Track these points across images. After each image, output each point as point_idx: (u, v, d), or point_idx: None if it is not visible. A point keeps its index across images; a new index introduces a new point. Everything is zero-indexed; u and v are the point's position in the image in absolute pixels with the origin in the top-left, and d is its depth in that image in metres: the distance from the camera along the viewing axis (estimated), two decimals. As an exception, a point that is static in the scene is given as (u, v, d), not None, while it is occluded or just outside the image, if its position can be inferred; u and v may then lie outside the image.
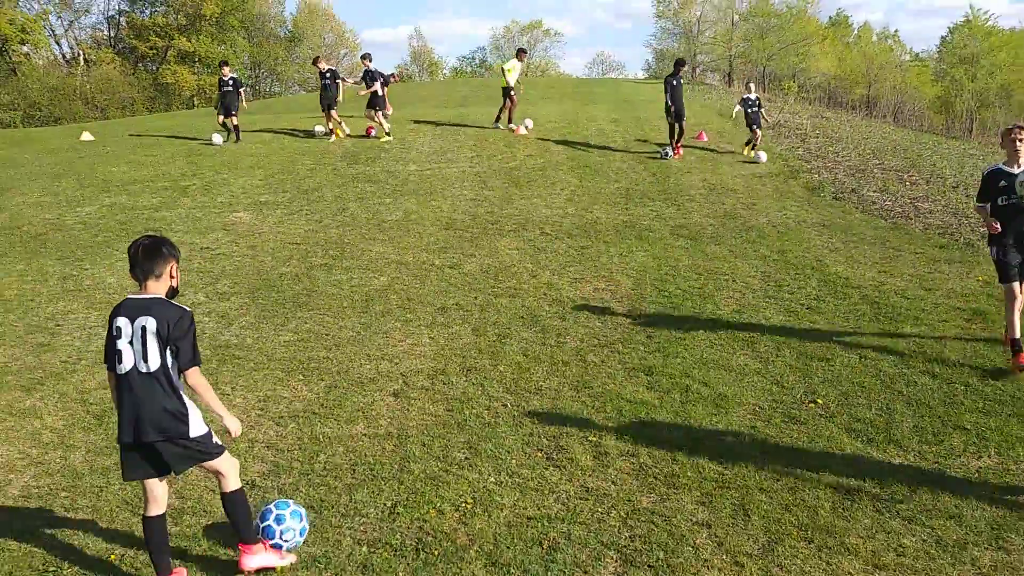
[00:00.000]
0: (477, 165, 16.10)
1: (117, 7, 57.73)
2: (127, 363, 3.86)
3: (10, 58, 47.42)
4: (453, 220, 12.45)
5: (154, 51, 55.21)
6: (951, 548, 4.35)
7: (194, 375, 3.94)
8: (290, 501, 4.53)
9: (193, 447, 3.97)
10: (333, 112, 18.49)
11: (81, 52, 53.35)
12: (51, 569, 4.40)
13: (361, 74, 18.87)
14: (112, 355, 3.91)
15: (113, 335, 3.90)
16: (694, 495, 5.00)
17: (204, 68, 53.30)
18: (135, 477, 4.04)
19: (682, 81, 16.92)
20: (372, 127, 18.89)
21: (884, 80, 56.49)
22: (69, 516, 4.93)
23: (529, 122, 19.45)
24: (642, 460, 5.45)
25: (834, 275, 9.63)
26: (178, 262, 4.06)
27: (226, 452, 4.16)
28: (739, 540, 4.51)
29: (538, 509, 4.90)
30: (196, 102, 51.41)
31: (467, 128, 19.77)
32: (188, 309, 3.99)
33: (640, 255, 10.63)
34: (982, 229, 11.23)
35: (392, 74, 23.22)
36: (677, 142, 16.78)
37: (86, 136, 21.50)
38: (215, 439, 4.11)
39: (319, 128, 19.30)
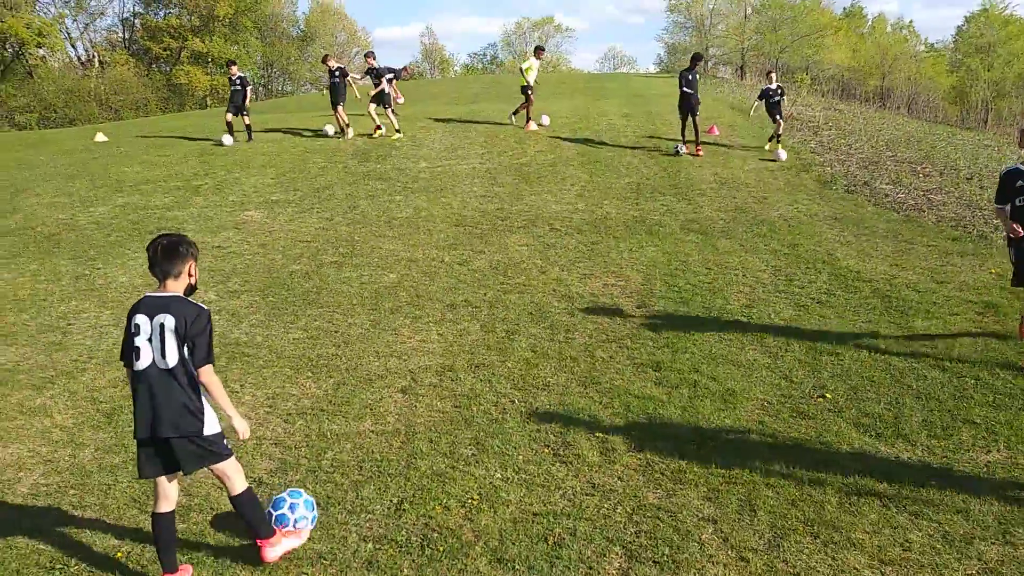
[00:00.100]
0: (487, 162, 16.09)
1: (132, 9, 58.17)
2: (145, 360, 3.93)
3: (27, 61, 47.88)
4: (463, 217, 12.46)
5: (168, 52, 55.58)
6: (957, 543, 4.32)
7: (207, 373, 3.98)
8: (302, 490, 4.62)
9: (206, 446, 4.02)
10: (340, 109, 18.47)
11: (96, 54, 53.80)
12: (59, 566, 4.44)
13: (365, 71, 18.89)
14: (129, 352, 3.98)
15: (131, 332, 3.96)
16: (700, 491, 4.98)
17: (217, 69, 53.52)
18: (150, 475, 4.08)
19: (698, 77, 16.53)
20: (381, 126, 18.90)
21: (898, 71, 56.03)
22: (77, 514, 4.97)
23: (546, 119, 19.35)
24: (649, 456, 5.44)
25: (845, 269, 9.56)
26: (196, 260, 4.13)
27: (233, 455, 4.20)
28: (745, 535, 4.50)
29: (544, 505, 4.90)
30: (209, 102, 51.68)
31: (478, 125, 19.77)
32: (206, 308, 4.04)
33: (650, 250, 10.59)
34: (995, 221, 11.13)
35: (404, 67, 23.16)
36: (697, 143, 16.28)
37: (100, 137, 21.67)
38: (226, 440, 4.15)
39: (328, 128, 19.32)
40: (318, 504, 4.87)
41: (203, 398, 4.05)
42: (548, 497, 4.99)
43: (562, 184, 14.30)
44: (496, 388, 6.68)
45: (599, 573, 4.25)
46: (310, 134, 19.53)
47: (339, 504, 4.98)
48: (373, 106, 18.47)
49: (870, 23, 70.40)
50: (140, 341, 3.93)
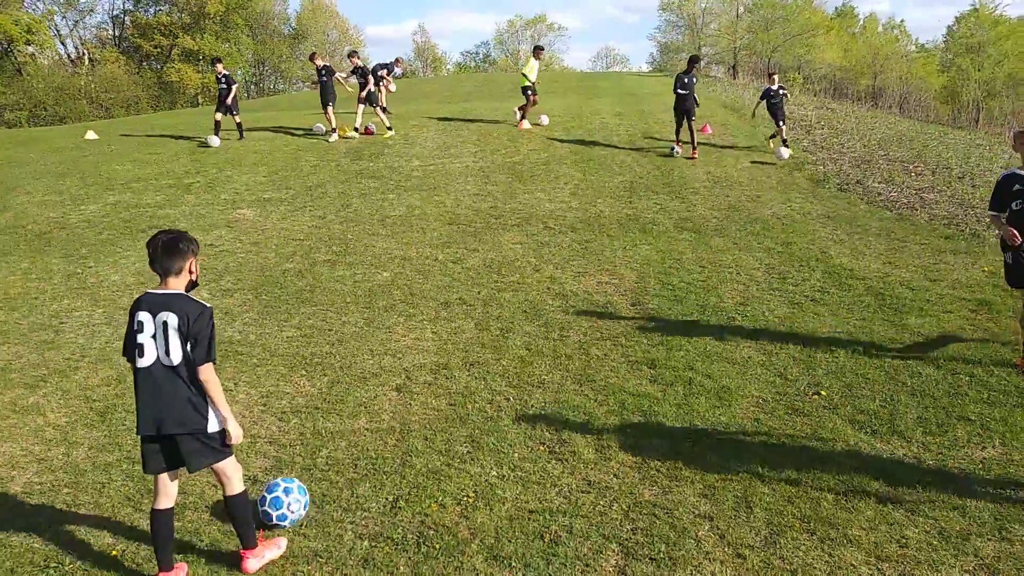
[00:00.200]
0: (481, 160, 16.07)
1: (122, 6, 57.88)
2: (149, 357, 3.93)
3: (15, 58, 47.56)
4: (456, 215, 12.44)
5: (159, 50, 55.33)
6: (954, 539, 4.33)
7: (206, 371, 3.97)
8: (295, 478, 4.76)
9: (210, 443, 4.03)
10: (330, 109, 18.33)
11: (86, 51, 53.53)
12: (52, 565, 4.41)
13: (351, 71, 18.81)
14: (132, 349, 3.97)
15: (134, 329, 3.96)
16: (696, 488, 4.98)
17: (208, 66, 53.28)
18: (154, 471, 4.08)
19: (695, 80, 16.22)
20: (372, 126, 18.85)
21: (890, 70, 56.23)
22: (71, 512, 4.94)
23: (544, 118, 19.24)
24: (644, 453, 5.44)
25: (839, 267, 9.58)
26: (197, 257, 4.12)
27: (233, 455, 4.20)
28: (741, 532, 4.50)
29: (540, 502, 4.89)
30: (200, 100, 51.50)
31: (471, 123, 19.74)
32: (208, 305, 4.02)
33: (644, 248, 10.60)
34: (987, 219, 11.18)
35: (396, 59, 23.04)
36: (693, 146, 16.01)
37: (90, 135, 21.54)
38: (226, 439, 4.13)
39: (319, 126, 19.22)
40: (313, 503, 4.87)
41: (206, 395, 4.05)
42: (544, 494, 4.98)
43: (555, 182, 14.29)
44: (491, 386, 6.66)
45: (595, 570, 4.25)
46: (301, 132, 19.46)
47: (334, 502, 4.95)
48: (361, 107, 18.41)
49: (861, 23, 70.63)
50: (143, 338, 3.93)
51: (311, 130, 19.23)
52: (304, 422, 6.10)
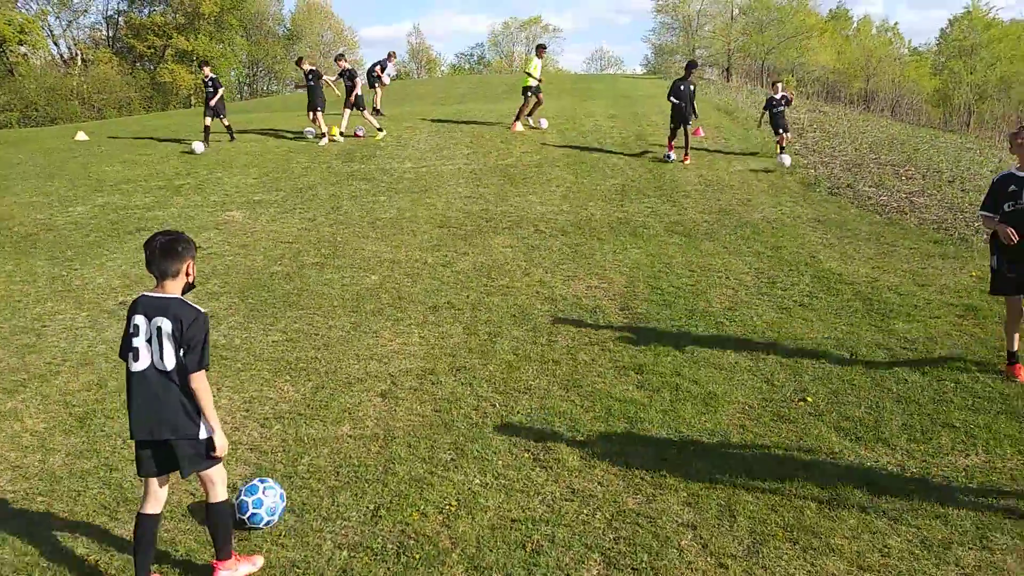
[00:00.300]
0: (473, 162, 16.03)
1: (116, 7, 57.72)
2: (144, 361, 3.89)
3: (7, 59, 47.37)
4: (447, 218, 12.39)
5: (152, 50, 55.19)
6: (936, 548, 4.30)
7: (198, 379, 3.92)
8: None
9: (202, 449, 4.00)
10: (319, 114, 18.23)
11: (79, 52, 53.32)
12: (24, 574, 4.34)
13: (338, 74, 18.74)
14: (127, 352, 3.94)
15: (130, 332, 3.93)
16: (680, 496, 4.95)
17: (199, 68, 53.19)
18: (147, 473, 4.05)
19: (691, 86, 15.88)
20: (360, 129, 18.77)
21: (883, 74, 56.39)
22: (46, 521, 4.86)
23: (544, 122, 19.10)
24: (629, 460, 5.40)
25: (828, 271, 9.57)
26: (194, 258, 4.07)
27: (221, 462, 4.18)
28: (724, 542, 4.46)
29: (523, 511, 4.85)
30: (193, 101, 51.34)
31: (464, 125, 19.70)
32: (203, 311, 3.97)
33: (634, 252, 10.57)
34: (976, 224, 11.17)
35: (390, 53, 22.98)
36: (686, 151, 15.90)
37: (80, 136, 21.45)
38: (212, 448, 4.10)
39: (309, 130, 19.06)
40: (293, 512, 4.83)
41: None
42: (527, 503, 4.94)
43: (547, 185, 14.26)
44: (477, 392, 6.62)
45: (577, 580, 4.21)
46: (292, 135, 19.39)
47: (314, 511, 4.90)
48: (348, 111, 18.33)
49: (855, 25, 70.83)
50: (139, 342, 3.89)
51: (302, 133, 19.14)
52: (287, 428, 6.05)
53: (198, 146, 17.80)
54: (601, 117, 20.68)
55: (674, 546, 4.45)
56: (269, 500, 4.65)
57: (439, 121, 20.37)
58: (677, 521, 4.69)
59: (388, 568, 4.33)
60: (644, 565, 4.29)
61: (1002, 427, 5.61)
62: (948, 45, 58.83)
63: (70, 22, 55.55)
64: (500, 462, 5.46)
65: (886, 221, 12.04)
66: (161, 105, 49.70)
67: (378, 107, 21.61)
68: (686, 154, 15.88)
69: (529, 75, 18.28)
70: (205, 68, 18.67)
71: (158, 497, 4.10)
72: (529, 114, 19.09)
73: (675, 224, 11.93)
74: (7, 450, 5.82)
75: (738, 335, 7.68)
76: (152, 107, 48.50)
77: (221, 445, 4.05)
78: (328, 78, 19.19)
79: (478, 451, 5.61)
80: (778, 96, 16.48)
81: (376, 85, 21.94)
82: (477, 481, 5.21)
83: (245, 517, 4.59)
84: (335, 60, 19.33)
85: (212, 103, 18.09)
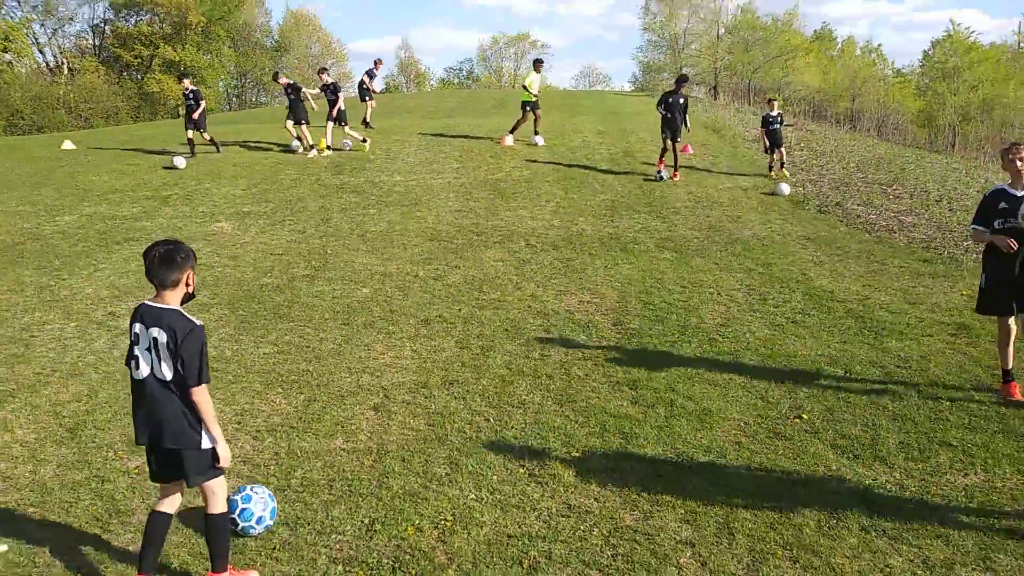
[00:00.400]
0: (463, 176, 16.03)
1: (102, 15, 57.45)
2: (144, 369, 3.90)
3: (-8, 66, 47.02)
4: (438, 231, 12.36)
5: (139, 60, 54.90)
6: (938, 569, 4.28)
7: (198, 393, 3.90)
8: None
9: (205, 459, 3.99)
10: (304, 128, 18.18)
11: (65, 60, 53.00)
12: (14, 590, 4.25)
13: (320, 87, 18.71)
14: (130, 359, 3.96)
15: (132, 340, 3.94)
16: (678, 512, 4.91)
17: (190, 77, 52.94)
18: (156, 480, 4.12)
19: (680, 100, 15.81)
20: (347, 142, 18.73)
21: (868, 94, 56.98)
22: (37, 533, 4.76)
23: (539, 139, 19.03)
24: (625, 476, 5.36)
25: (819, 288, 9.60)
26: (194, 269, 4.05)
27: (224, 474, 4.16)
28: (723, 560, 4.43)
29: (519, 527, 4.80)
30: (181, 111, 51.06)
31: (453, 139, 19.71)
32: (198, 323, 3.95)
33: (625, 267, 10.57)
34: (966, 243, 11.26)
35: (376, 61, 23.02)
36: (675, 167, 15.92)
37: (67, 145, 21.29)
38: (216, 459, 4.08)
39: (296, 144, 18.91)
40: (286, 526, 4.76)
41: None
42: (523, 518, 4.89)
43: (537, 200, 14.27)
44: (471, 406, 6.57)
45: (576, 598, 4.16)
46: (280, 147, 19.31)
47: (308, 525, 4.83)
48: (331, 124, 18.28)
49: (840, 46, 71.60)
50: (139, 351, 3.91)
51: (290, 147, 18.98)
52: (279, 441, 5.97)
53: (179, 161, 17.30)
54: (590, 133, 20.76)
55: (673, 564, 4.41)
56: (259, 496, 4.67)
57: (428, 135, 20.37)
58: (675, 538, 4.65)
59: (384, 585, 4.26)
60: (643, 583, 4.25)
61: (1000, 446, 5.62)
62: (931, 67, 59.58)
63: (55, 30, 55.25)
64: (495, 477, 5.41)
65: (875, 240, 12.12)
66: (149, 115, 49.45)
67: (368, 121, 21.58)
68: (675, 171, 15.93)
69: (525, 89, 18.34)
70: (185, 81, 18.45)
71: (172, 499, 4.14)
72: (536, 132, 19.09)
73: (666, 240, 11.95)
74: (-6, 462, 5.71)
75: (731, 351, 7.67)
76: (140, 117, 48.25)
77: (225, 456, 4.04)
78: (310, 91, 19.09)
79: (473, 466, 5.55)
80: (774, 113, 16.51)
81: (367, 99, 21.93)
82: (472, 496, 5.16)
83: (236, 514, 4.54)
84: (318, 73, 19.31)
85: (195, 116, 17.94)
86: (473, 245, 11.63)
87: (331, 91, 18.12)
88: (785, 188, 15.10)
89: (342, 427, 6.20)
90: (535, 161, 17.30)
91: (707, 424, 6.14)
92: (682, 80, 16.50)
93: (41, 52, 54.35)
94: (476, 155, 17.87)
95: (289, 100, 18.17)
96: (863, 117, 46.72)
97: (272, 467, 5.58)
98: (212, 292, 9.63)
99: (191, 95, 17.91)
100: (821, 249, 11.47)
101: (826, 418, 6.19)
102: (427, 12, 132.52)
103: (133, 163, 17.99)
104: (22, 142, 25.19)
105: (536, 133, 19.08)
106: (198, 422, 3.94)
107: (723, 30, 59.07)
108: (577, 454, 5.71)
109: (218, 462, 4.01)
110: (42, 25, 53.87)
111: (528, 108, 18.54)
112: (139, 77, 55.19)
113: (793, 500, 5.00)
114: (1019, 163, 6.23)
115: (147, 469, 4.16)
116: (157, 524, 4.10)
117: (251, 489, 4.71)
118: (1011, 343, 6.46)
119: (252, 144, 19.88)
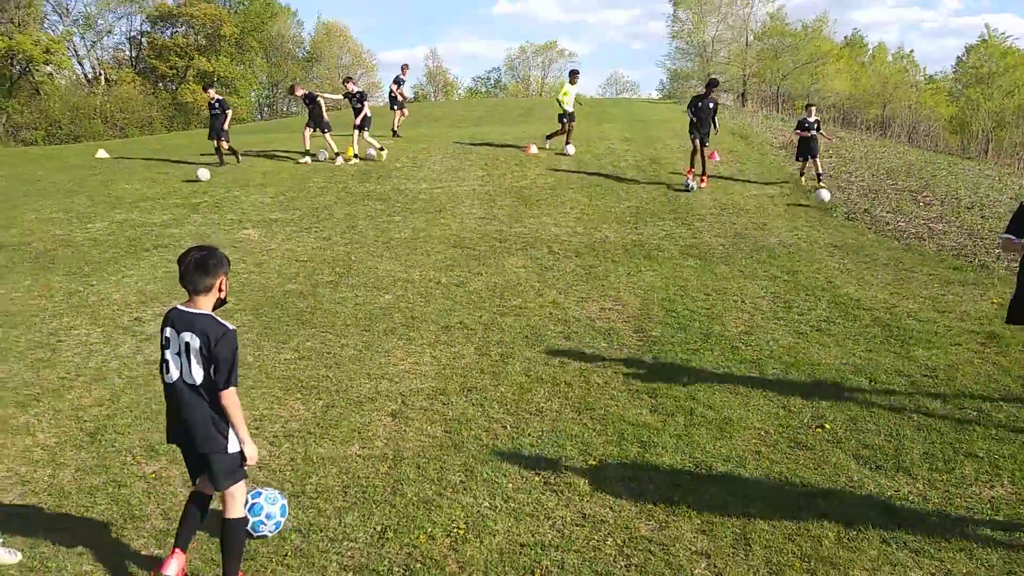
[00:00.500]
0: (487, 184, 16.05)
1: (139, 28, 58.60)
2: (174, 374, 3.96)
3: (33, 78, 48.13)
4: (461, 238, 12.38)
5: (174, 71, 55.96)
6: (960, 582, 4.17)
7: (228, 396, 3.94)
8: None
9: (233, 463, 4.05)
10: (327, 136, 18.34)
11: (102, 72, 54.13)
12: (30, 592, 4.30)
13: (343, 95, 18.84)
14: (161, 363, 4.02)
15: (162, 344, 3.99)
16: (694, 523, 4.84)
17: (223, 88, 53.74)
18: (192, 479, 4.27)
19: (711, 104, 15.65)
20: (371, 152, 18.83)
21: (899, 100, 56.24)
22: (52, 537, 4.80)
23: (571, 148, 18.97)
24: (642, 485, 5.30)
25: (845, 296, 9.45)
26: (227, 275, 4.08)
27: (246, 479, 4.21)
28: (739, 571, 4.35)
29: (532, 536, 4.76)
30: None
31: (479, 147, 19.76)
32: (232, 327, 3.97)
33: (648, 275, 10.49)
34: (997, 250, 11.02)
35: (404, 66, 23.15)
36: (703, 174, 15.81)
37: (101, 153, 21.67)
38: (243, 460, 4.13)
39: (323, 152, 19.06)
40: (299, 532, 4.76)
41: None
42: (537, 527, 4.85)
43: (561, 207, 14.23)
44: (488, 413, 6.54)
45: (587, 608, 4.10)
46: (310, 156, 19.47)
47: (321, 531, 4.83)
48: (357, 133, 18.40)
49: (870, 53, 70.79)
50: (169, 355, 3.95)
51: (316, 156, 19.12)
52: (296, 447, 5.99)
53: (203, 173, 17.27)
54: (615, 140, 20.69)
55: (687, 575, 4.34)
56: (268, 493, 4.74)
57: (455, 143, 20.43)
58: (691, 549, 4.58)
59: (395, 592, 4.24)
60: (657, 593, 4.19)
61: (1026, 458, 5.47)
62: (965, 73, 58.63)
63: (94, 43, 56.54)
64: (510, 485, 5.37)
65: (904, 247, 11.91)
66: (182, 125, 50.27)
67: (395, 130, 21.71)
68: (703, 177, 15.81)
69: (559, 102, 18.34)
70: (210, 91, 18.55)
71: (208, 487, 4.24)
72: (549, 137, 19.14)
73: (690, 247, 11.85)
74: (18, 464, 5.79)
75: (754, 359, 7.57)
76: (173, 126, 49.07)
77: (252, 454, 4.09)
78: (330, 96, 19.22)
79: (488, 473, 5.52)
80: (811, 119, 16.09)
81: (396, 108, 22.07)
82: (486, 504, 5.13)
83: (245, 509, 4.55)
84: (343, 83, 19.46)
85: (225, 126, 18.09)
86: (496, 252, 11.62)
87: (357, 99, 18.24)
88: (825, 194, 14.57)
89: (359, 433, 6.21)
90: (560, 169, 17.27)
91: (727, 433, 6.05)
92: (712, 84, 16.34)
93: (80, 64, 55.67)
94: (501, 163, 17.88)
95: (309, 109, 18.36)
96: (894, 123, 46.11)
97: (288, 472, 5.60)
98: (237, 298, 9.71)
99: (217, 104, 18.04)
100: (848, 257, 11.30)
101: (849, 428, 6.08)
102: (455, 22, 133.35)
103: (165, 171, 18.26)
104: (59, 151, 25.70)
105: (568, 143, 19.05)
106: (226, 426, 3.98)
107: (752, 37, 58.69)
108: (594, 463, 5.65)
109: (245, 463, 4.07)
110: (82, 38, 55.20)
111: (564, 119, 18.50)
112: (174, 87, 56.23)
113: (812, 511, 4.90)
114: None
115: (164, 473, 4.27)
116: (195, 501, 4.23)
117: (261, 487, 4.77)
118: None
119: (281, 153, 20.09)
